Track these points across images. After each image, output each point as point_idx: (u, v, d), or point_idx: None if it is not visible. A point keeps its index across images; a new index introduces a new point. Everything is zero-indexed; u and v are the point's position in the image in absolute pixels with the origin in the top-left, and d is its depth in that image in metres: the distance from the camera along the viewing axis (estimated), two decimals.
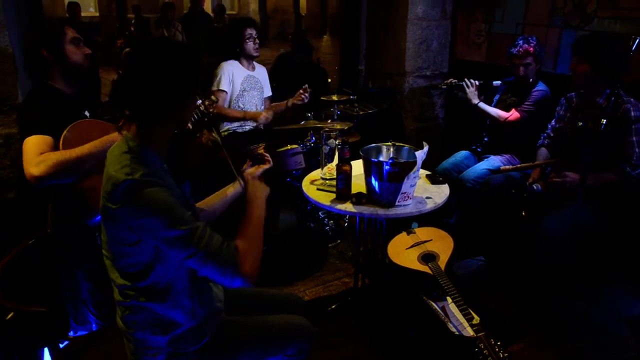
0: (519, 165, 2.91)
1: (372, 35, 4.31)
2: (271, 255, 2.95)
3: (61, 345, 1.75)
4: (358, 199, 2.12)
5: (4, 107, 2.64)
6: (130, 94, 1.32)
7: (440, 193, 2.24)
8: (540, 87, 3.02)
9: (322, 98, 3.39)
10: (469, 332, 1.92)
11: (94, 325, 2.09)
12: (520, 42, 2.99)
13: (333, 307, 2.58)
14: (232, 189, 1.74)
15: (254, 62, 3.40)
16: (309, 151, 3.13)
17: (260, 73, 3.44)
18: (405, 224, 2.61)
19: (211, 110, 2.01)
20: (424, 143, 2.07)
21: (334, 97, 3.34)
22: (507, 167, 2.88)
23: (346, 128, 3.06)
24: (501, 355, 1.74)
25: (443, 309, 2.10)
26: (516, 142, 3.08)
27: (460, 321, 2.00)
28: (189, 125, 1.54)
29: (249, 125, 3.35)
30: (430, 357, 2.21)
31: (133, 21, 9.13)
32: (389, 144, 2.25)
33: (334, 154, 2.46)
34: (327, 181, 2.36)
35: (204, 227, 1.29)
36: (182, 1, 13.73)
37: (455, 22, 4.03)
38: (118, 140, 1.37)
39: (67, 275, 2.00)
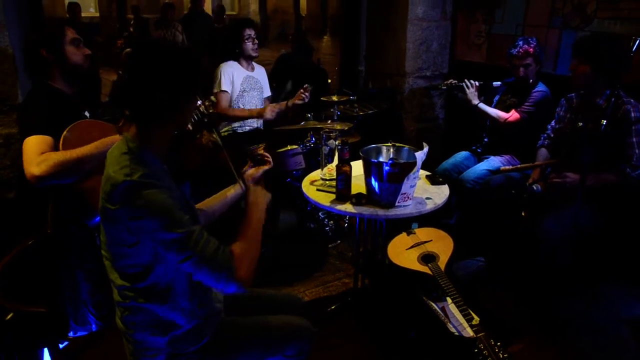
0: (518, 166, 2.91)
1: (372, 36, 4.31)
2: (271, 256, 2.95)
3: (61, 346, 1.75)
4: (358, 199, 2.12)
5: (4, 107, 2.64)
6: (130, 94, 1.32)
7: (440, 194, 2.24)
8: (540, 87, 3.02)
9: (322, 98, 3.39)
10: (469, 332, 1.92)
11: (93, 326, 2.09)
12: (520, 43, 2.99)
13: (333, 307, 2.58)
14: (232, 191, 1.74)
15: (253, 63, 3.40)
16: (309, 152, 3.13)
17: (260, 73, 3.44)
18: (405, 224, 2.61)
19: (211, 110, 2.01)
20: (424, 144, 2.07)
21: (334, 98, 3.34)
22: (507, 167, 2.88)
23: (346, 129, 3.06)
24: (501, 356, 1.74)
25: (443, 309, 2.10)
26: (516, 143, 3.08)
27: (460, 322, 2.00)
28: (189, 126, 1.54)
29: (249, 126, 3.35)
30: (430, 358, 2.21)
31: (132, 22, 9.14)
32: (389, 144, 2.26)
33: (334, 155, 2.46)
34: (327, 182, 2.36)
35: (200, 231, 1.28)
36: (182, 2, 13.74)
37: (455, 23, 4.03)
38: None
39: (67, 275, 2.00)
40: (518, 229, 2.64)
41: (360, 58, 4.44)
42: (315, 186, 2.34)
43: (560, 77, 3.16)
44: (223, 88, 3.20)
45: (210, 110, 1.97)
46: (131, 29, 8.83)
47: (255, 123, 3.39)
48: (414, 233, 2.58)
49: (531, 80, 3.03)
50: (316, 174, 2.48)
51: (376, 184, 2.06)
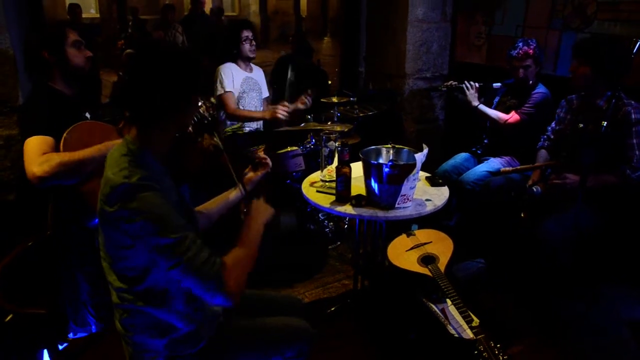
0: (518, 167, 2.91)
1: (373, 37, 4.31)
2: (271, 257, 2.95)
3: (60, 347, 1.75)
4: (358, 201, 2.12)
5: (4, 108, 2.64)
6: (131, 95, 1.32)
7: (439, 195, 2.24)
8: (540, 89, 3.02)
9: (322, 100, 3.40)
10: (469, 334, 1.92)
11: (93, 327, 2.09)
12: (520, 44, 2.99)
13: (333, 309, 2.57)
14: (233, 194, 1.74)
15: (251, 64, 3.40)
16: (309, 153, 3.13)
17: (258, 74, 3.44)
18: (405, 226, 2.61)
19: (211, 112, 2.01)
20: (424, 145, 2.07)
21: (334, 99, 3.34)
22: (507, 169, 2.88)
23: (346, 130, 3.06)
24: (501, 358, 1.73)
25: (443, 311, 2.10)
26: (516, 144, 3.08)
27: (459, 323, 2.00)
28: (190, 128, 1.54)
29: (249, 127, 3.35)
30: None
31: (130, 23, 9.14)
32: (389, 146, 2.26)
33: (334, 156, 2.46)
34: (326, 183, 2.36)
35: (194, 239, 1.26)
36: (182, 3, 13.74)
37: (455, 25, 4.03)
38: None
39: (66, 276, 2.01)
40: (518, 230, 2.64)
41: (361, 59, 4.44)
42: (315, 187, 2.34)
43: (560, 78, 3.15)
44: (227, 89, 3.18)
45: (211, 112, 1.98)
46: (130, 30, 8.83)
47: (255, 124, 3.39)
48: (414, 234, 2.57)
49: (531, 82, 3.03)
50: (316, 176, 2.48)
51: (376, 185, 2.06)
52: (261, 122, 3.40)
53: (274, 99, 3.66)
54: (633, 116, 2.35)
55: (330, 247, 3.24)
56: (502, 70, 3.24)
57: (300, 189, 2.38)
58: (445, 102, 4.23)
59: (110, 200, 1.24)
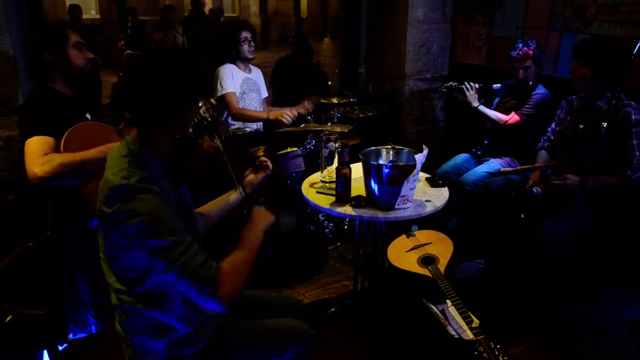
0: (518, 168, 2.91)
1: (373, 38, 4.32)
2: (271, 258, 2.95)
3: (60, 348, 1.75)
4: (357, 201, 2.12)
5: (4, 109, 2.65)
6: (131, 96, 1.32)
7: (439, 196, 2.24)
8: (540, 90, 3.02)
9: (322, 101, 3.40)
10: (469, 335, 1.92)
11: (93, 328, 2.09)
12: (520, 45, 2.99)
13: (333, 309, 2.57)
14: (234, 195, 1.74)
15: (250, 65, 3.40)
16: (309, 154, 3.13)
17: (257, 75, 3.45)
18: (404, 226, 2.61)
19: (211, 113, 2.01)
20: (424, 146, 2.07)
21: (334, 100, 3.34)
22: (507, 169, 2.88)
23: (346, 131, 3.06)
24: (501, 359, 1.73)
25: (443, 312, 2.10)
26: (516, 145, 3.08)
27: (459, 324, 2.00)
28: (190, 130, 1.54)
29: (249, 127, 3.35)
30: None
31: (129, 23, 9.15)
32: (389, 147, 2.25)
33: (334, 157, 2.46)
34: (326, 184, 2.36)
35: (190, 243, 1.26)
36: (183, 4, 13.75)
37: (456, 25, 4.03)
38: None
39: (66, 277, 2.01)
40: (518, 231, 2.64)
41: (361, 60, 4.44)
42: (315, 188, 2.34)
43: (560, 79, 3.16)
44: (230, 90, 3.18)
45: (211, 113, 1.98)
46: (129, 31, 8.84)
47: (255, 125, 3.39)
48: (414, 235, 2.57)
49: (531, 83, 3.04)
50: (316, 177, 2.48)
51: (376, 186, 2.06)
52: (261, 123, 3.40)
53: (274, 100, 3.66)
54: (633, 117, 2.35)
55: (330, 247, 3.24)
56: (502, 71, 3.25)
57: (300, 189, 2.38)
58: (445, 103, 4.23)
59: (109, 201, 1.24)
